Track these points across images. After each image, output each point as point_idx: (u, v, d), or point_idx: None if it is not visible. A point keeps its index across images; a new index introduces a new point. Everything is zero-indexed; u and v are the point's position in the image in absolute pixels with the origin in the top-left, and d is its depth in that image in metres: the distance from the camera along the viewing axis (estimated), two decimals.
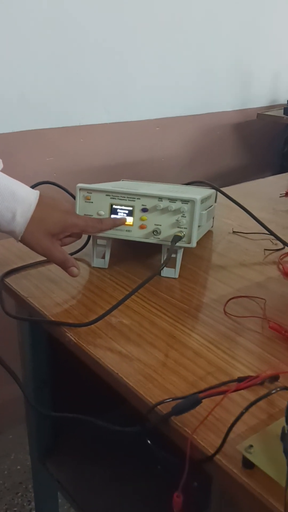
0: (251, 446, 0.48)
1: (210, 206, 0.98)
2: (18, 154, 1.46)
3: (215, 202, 1.04)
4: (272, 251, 0.95)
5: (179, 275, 0.84)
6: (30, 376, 0.94)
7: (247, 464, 0.47)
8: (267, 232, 0.96)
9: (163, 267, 0.81)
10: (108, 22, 1.52)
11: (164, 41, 1.68)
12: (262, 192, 1.34)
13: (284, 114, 1.77)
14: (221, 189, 0.99)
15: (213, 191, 1.00)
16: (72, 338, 0.67)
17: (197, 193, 0.86)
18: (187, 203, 0.79)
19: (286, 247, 0.95)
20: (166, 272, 0.84)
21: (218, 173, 1.97)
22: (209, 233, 1.03)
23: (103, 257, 0.86)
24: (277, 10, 1.95)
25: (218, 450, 0.48)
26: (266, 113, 1.85)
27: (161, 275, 0.84)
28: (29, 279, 0.82)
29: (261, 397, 0.52)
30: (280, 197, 1.27)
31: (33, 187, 0.80)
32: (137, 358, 0.63)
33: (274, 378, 0.59)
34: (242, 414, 0.50)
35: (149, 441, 0.53)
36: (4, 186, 0.71)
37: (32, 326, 0.88)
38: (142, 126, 1.73)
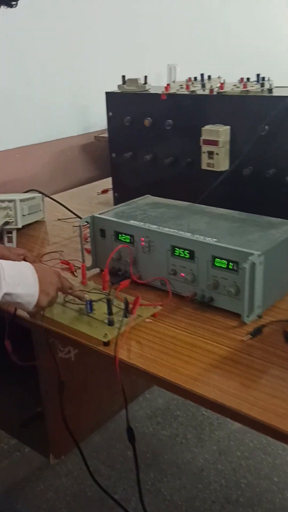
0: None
1: (35, 204, 1.53)
2: None
3: (43, 201, 1.60)
4: (77, 227, 1.52)
5: (17, 245, 1.39)
6: None
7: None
8: (75, 215, 1.54)
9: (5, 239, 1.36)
10: None
11: (11, 83, 2.21)
12: (88, 192, 1.93)
13: None
14: (53, 195, 1.57)
15: (38, 194, 1.56)
16: None
17: (20, 196, 1.42)
18: (11, 202, 1.34)
19: (79, 218, 1.52)
20: (8, 245, 1.38)
21: (75, 183, 2.54)
22: (41, 222, 1.59)
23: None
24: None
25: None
26: (101, 135, 2.46)
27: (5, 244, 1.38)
28: None
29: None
30: (97, 194, 1.86)
31: None
32: None
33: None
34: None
35: None
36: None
37: None
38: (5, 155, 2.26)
